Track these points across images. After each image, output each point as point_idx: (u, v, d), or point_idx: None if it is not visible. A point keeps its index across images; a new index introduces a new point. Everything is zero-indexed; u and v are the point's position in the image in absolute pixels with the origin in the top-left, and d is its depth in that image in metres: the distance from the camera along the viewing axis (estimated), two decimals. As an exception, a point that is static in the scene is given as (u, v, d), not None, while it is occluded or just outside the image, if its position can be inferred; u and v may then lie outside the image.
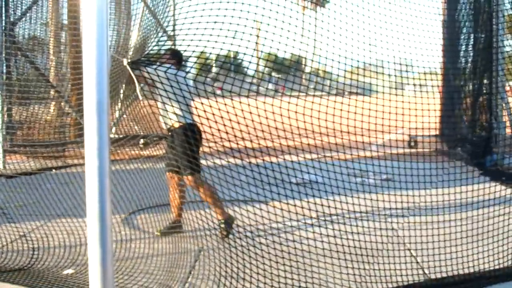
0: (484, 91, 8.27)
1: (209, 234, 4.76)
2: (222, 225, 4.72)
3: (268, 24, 3.32)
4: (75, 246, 4.26)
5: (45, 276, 3.63)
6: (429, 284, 3.60)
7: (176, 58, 4.82)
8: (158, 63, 4.36)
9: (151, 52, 3.79)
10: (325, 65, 3.82)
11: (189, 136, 4.50)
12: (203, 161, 4.55)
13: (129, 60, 3.37)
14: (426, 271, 3.82)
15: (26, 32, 8.48)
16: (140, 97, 3.49)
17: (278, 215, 3.77)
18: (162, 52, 4.49)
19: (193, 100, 4.22)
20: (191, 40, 3.16)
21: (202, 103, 3.41)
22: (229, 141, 3.25)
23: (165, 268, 3.81)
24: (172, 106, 3.92)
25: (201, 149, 4.70)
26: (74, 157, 7.79)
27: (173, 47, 4.92)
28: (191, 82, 4.47)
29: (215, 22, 3.08)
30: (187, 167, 4.53)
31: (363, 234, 4.05)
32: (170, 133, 4.68)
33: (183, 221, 4.78)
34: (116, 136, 6.45)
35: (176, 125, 4.57)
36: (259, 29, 3.33)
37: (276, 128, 3.51)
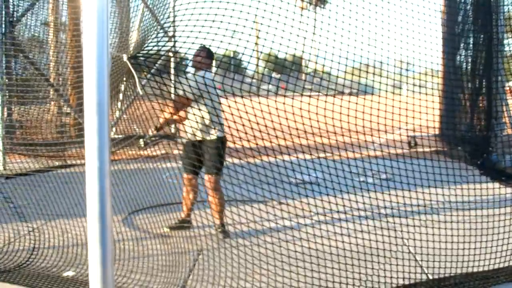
0: (484, 91, 8.27)
1: (210, 234, 4.77)
2: (220, 229, 4.79)
3: (268, 26, 3.32)
4: (75, 246, 4.26)
5: (45, 276, 3.63)
6: (429, 284, 3.60)
7: (211, 57, 4.82)
8: (192, 66, 4.53)
9: (152, 45, 3.78)
10: (328, 65, 3.82)
11: (220, 146, 4.73)
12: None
13: (128, 55, 3.36)
14: (426, 271, 3.82)
15: (26, 32, 8.48)
16: (141, 92, 3.47)
17: (277, 215, 3.77)
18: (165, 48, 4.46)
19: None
20: (191, 39, 3.15)
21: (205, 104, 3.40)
22: (233, 141, 3.25)
23: (165, 268, 3.81)
24: (217, 116, 4.38)
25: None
26: (75, 157, 7.78)
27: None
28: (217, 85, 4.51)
29: (216, 20, 3.08)
30: (215, 167, 4.68)
31: (363, 233, 4.05)
32: (199, 142, 4.72)
33: (191, 220, 4.93)
34: (116, 136, 6.44)
35: (213, 137, 4.68)
36: (259, 30, 3.33)
37: (274, 128, 3.50)
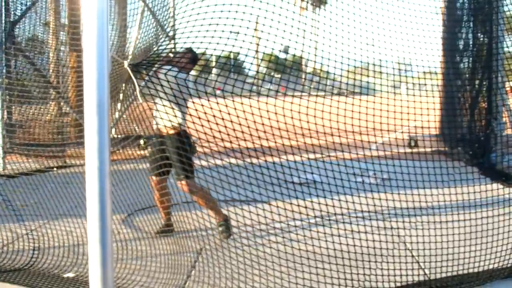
0: (484, 91, 8.27)
1: (209, 234, 4.77)
2: (221, 227, 4.71)
3: (270, 26, 3.32)
4: (75, 246, 4.26)
5: (45, 276, 3.63)
6: (429, 284, 3.60)
7: (194, 60, 4.74)
8: (170, 63, 4.30)
9: (154, 55, 3.78)
10: (328, 66, 3.83)
11: (184, 142, 4.43)
12: (203, 162, 4.54)
13: (129, 62, 3.37)
14: (426, 271, 3.82)
15: (26, 32, 8.48)
16: (140, 100, 3.48)
17: (279, 215, 3.77)
18: (165, 52, 4.39)
19: (192, 102, 4.13)
20: (192, 42, 3.16)
21: (202, 105, 3.41)
22: (230, 142, 3.26)
23: (165, 268, 3.82)
24: (173, 109, 3.86)
25: (196, 154, 4.67)
26: (75, 157, 7.79)
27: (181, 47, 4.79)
28: (191, 84, 4.42)
29: (217, 22, 3.08)
30: (181, 172, 4.42)
31: (363, 234, 4.05)
32: (161, 138, 4.54)
33: (174, 223, 4.79)
34: (116, 136, 6.45)
35: (171, 131, 4.44)
36: (259, 31, 3.33)
37: (278, 128, 3.50)
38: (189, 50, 4.65)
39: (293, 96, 3.60)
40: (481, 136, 8.29)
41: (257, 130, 3.40)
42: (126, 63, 3.31)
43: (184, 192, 4.61)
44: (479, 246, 3.73)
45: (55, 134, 8.17)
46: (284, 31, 3.35)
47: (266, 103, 3.42)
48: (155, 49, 4.19)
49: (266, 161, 3.34)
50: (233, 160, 3.37)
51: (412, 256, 4.08)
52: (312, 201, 3.59)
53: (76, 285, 3.46)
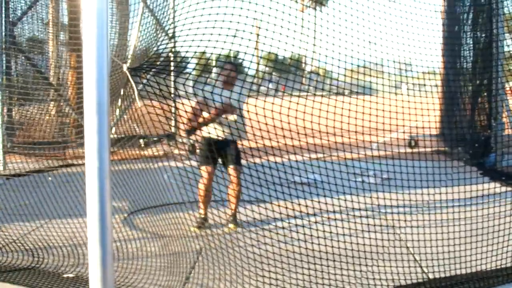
0: (484, 91, 8.27)
1: (209, 234, 4.77)
2: (232, 218, 5.07)
3: (268, 23, 3.32)
4: (75, 246, 4.26)
5: (45, 276, 3.63)
6: (429, 284, 3.60)
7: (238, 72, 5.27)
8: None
9: (154, 55, 3.79)
10: (325, 63, 3.82)
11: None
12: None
13: (128, 66, 3.37)
14: (426, 271, 3.82)
15: (26, 32, 8.48)
16: (139, 103, 3.49)
17: (279, 214, 3.77)
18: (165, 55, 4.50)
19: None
20: (192, 40, 3.15)
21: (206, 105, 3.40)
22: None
23: (165, 268, 3.81)
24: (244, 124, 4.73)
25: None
26: (74, 158, 7.78)
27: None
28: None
29: (215, 21, 3.08)
30: (240, 161, 5.03)
31: (363, 234, 4.05)
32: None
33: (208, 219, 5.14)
34: (116, 136, 6.45)
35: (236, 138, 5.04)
36: (259, 27, 3.32)
37: (278, 128, 3.50)
38: (231, 63, 5.26)
39: (291, 95, 3.59)
40: (481, 136, 8.28)
41: (260, 129, 3.40)
42: (125, 67, 3.31)
43: (232, 178, 5.06)
44: (480, 246, 3.73)
45: (55, 134, 8.17)
46: (282, 27, 3.35)
47: (265, 101, 3.42)
48: (154, 49, 4.19)
49: (268, 160, 3.35)
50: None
51: (411, 254, 4.08)
52: (312, 200, 3.59)
53: (76, 285, 3.46)
